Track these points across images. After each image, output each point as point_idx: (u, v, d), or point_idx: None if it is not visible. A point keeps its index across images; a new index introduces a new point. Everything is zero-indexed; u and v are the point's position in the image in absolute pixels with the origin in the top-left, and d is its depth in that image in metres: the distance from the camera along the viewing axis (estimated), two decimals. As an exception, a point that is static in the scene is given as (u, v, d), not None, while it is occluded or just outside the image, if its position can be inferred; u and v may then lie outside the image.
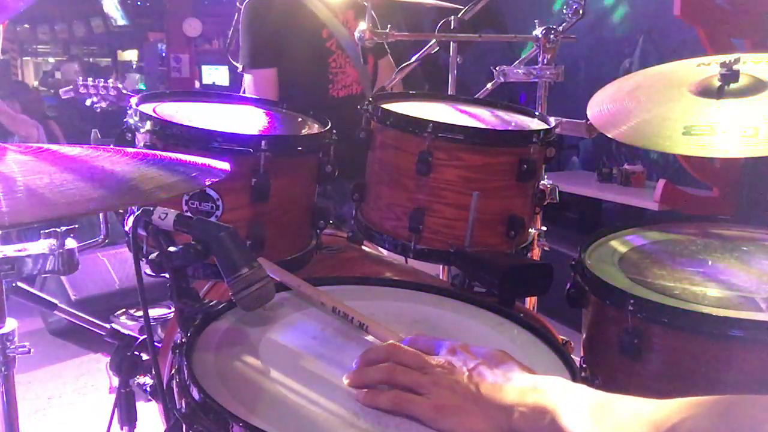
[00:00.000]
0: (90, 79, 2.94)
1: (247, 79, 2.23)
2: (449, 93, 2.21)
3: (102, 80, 2.95)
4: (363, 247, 1.62)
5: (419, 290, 1.15)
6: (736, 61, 1.29)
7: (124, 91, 2.92)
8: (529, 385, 0.73)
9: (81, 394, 3.22)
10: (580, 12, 1.83)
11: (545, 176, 1.72)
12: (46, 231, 1.03)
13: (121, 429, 1.36)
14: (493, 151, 1.29)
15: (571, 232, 4.27)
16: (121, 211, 1.30)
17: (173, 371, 0.84)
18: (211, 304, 0.96)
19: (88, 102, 2.93)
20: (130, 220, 0.94)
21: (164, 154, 0.99)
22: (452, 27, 2.15)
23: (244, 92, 2.24)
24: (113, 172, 0.87)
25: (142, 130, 1.22)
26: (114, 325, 1.36)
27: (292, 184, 1.28)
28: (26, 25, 8.75)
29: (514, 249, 1.36)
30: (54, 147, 0.93)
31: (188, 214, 0.94)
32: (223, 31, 7.81)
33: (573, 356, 0.96)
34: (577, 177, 4.82)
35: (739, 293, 1.07)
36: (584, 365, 1.19)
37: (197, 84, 8.10)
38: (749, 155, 1.16)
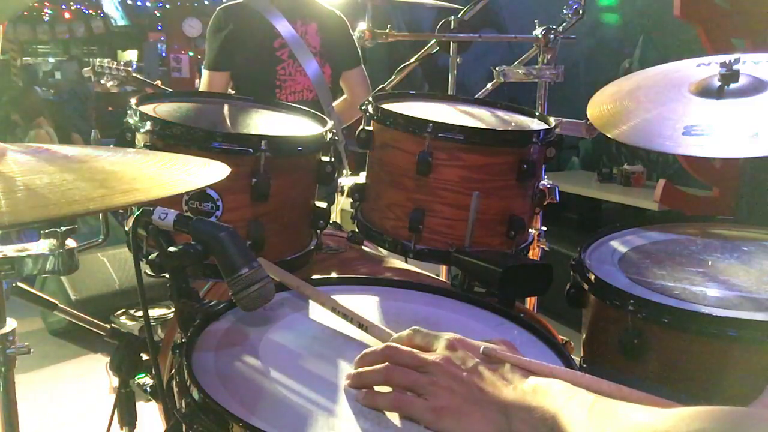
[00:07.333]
0: (106, 60, 3.35)
1: (204, 75, 2.62)
2: (449, 93, 2.21)
3: (115, 62, 3.34)
4: (363, 247, 1.62)
5: (419, 290, 1.15)
6: (736, 61, 1.29)
7: (134, 74, 3.24)
8: (529, 386, 0.72)
9: (81, 394, 3.22)
10: (580, 12, 1.83)
11: (545, 176, 1.72)
12: (46, 231, 1.03)
13: (121, 429, 1.36)
14: (493, 151, 1.29)
15: (571, 232, 4.27)
16: (121, 211, 1.30)
17: (173, 371, 0.84)
18: (211, 304, 0.96)
19: (102, 80, 3.31)
20: (130, 220, 0.94)
21: (164, 154, 0.99)
22: (452, 27, 2.16)
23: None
24: (113, 172, 0.87)
25: (142, 130, 1.22)
26: (114, 325, 1.36)
27: (292, 184, 1.28)
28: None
29: (514, 249, 1.36)
30: (54, 147, 0.93)
31: (188, 214, 0.94)
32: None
33: (573, 356, 0.96)
34: (577, 177, 4.82)
35: (739, 293, 1.07)
36: (584, 365, 1.19)
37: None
38: (749, 155, 1.16)
